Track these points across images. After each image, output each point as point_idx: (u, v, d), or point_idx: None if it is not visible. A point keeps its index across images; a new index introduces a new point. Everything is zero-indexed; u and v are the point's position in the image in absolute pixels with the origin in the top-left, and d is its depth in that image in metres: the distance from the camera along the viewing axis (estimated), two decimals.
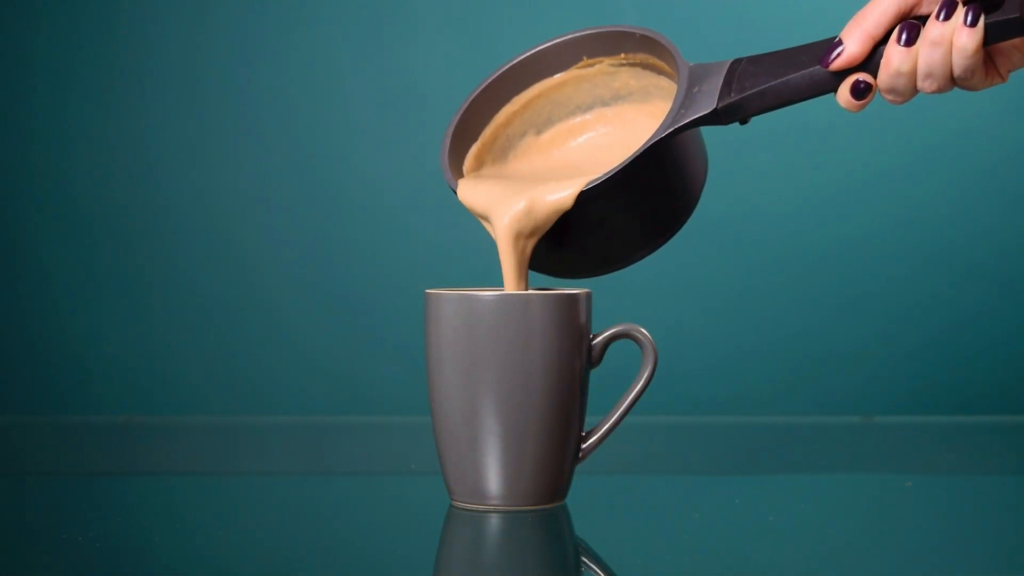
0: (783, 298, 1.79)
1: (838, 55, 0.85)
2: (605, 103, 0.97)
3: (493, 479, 0.88)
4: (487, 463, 0.88)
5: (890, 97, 0.86)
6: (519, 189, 0.91)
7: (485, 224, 0.92)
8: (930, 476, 1.07)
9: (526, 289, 0.91)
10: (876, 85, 0.85)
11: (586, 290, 0.90)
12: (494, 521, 0.87)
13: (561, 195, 0.89)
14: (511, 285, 0.91)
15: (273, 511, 0.95)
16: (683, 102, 0.89)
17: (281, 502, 0.97)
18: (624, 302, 1.68)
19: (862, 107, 0.86)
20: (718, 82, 0.89)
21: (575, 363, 0.89)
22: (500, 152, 0.97)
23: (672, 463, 1.14)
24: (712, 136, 1.86)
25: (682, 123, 0.89)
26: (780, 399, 1.78)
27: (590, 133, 0.98)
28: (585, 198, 0.88)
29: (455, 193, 0.93)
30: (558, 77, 0.97)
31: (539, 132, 0.98)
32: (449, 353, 0.88)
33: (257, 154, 1.80)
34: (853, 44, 0.85)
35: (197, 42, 1.79)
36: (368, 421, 1.42)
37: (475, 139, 0.96)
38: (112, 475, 1.08)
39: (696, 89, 0.89)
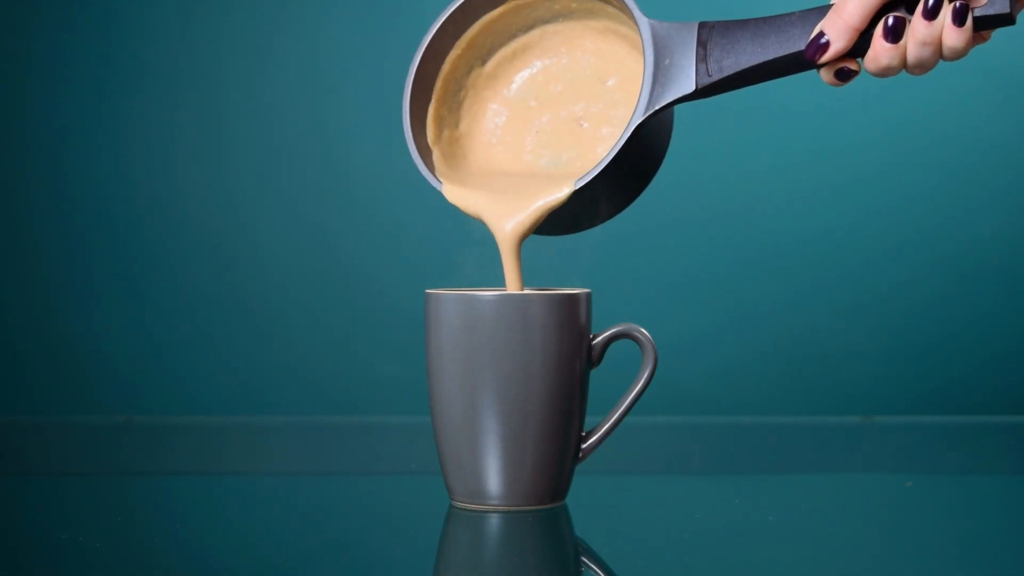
0: (783, 298, 1.79)
1: (823, 50, 0.84)
2: (546, 21, 0.96)
3: (493, 479, 0.88)
4: (487, 463, 0.88)
5: (877, 77, 0.85)
6: (514, 194, 0.91)
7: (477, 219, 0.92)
8: (930, 476, 1.07)
9: (522, 280, 0.92)
10: (861, 67, 0.85)
11: (586, 290, 0.90)
12: (494, 521, 0.87)
13: (558, 196, 0.89)
14: (513, 281, 0.91)
15: (273, 511, 0.95)
16: (655, 76, 0.88)
17: (281, 502, 0.97)
18: (624, 302, 1.68)
19: (845, 84, 0.86)
20: (690, 55, 0.87)
21: (575, 363, 0.89)
22: (452, 97, 0.96)
23: (672, 463, 1.14)
24: (712, 137, 1.85)
25: (661, 105, 0.88)
26: (780, 399, 1.78)
27: (536, 63, 0.96)
28: (577, 191, 0.89)
29: (438, 188, 0.93)
30: (496, 11, 0.95)
31: (484, 63, 0.97)
32: (449, 353, 0.88)
33: (257, 154, 1.80)
34: (838, 40, 0.84)
35: (196, 42, 1.79)
36: (368, 421, 1.42)
37: (429, 100, 0.95)
38: (112, 475, 1.08)
39: (667, 62, 0.88)
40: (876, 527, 0.89)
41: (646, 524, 0.91)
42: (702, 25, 0.88)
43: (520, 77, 0.97)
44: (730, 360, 1.79)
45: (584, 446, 0.91)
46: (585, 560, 0.82)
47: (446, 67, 0.95)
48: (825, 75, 0.85)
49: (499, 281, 0.93)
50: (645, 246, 1.79)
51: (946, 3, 0.81)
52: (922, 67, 0.83)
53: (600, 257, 1.78)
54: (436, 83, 0.95)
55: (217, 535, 0.88)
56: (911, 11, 0.83)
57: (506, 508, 0.88)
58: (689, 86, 0.87)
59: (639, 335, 0.90)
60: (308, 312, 1.79)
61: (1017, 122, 1.78)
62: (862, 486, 1.03)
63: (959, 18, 0.81)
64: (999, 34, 0.86)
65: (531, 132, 0.96)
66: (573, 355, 0.88)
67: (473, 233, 1.00)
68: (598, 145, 0.94)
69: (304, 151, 1.80)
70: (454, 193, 0.92)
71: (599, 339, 0.90)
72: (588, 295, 0.90)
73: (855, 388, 1.79)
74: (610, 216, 0.95)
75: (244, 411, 1.76)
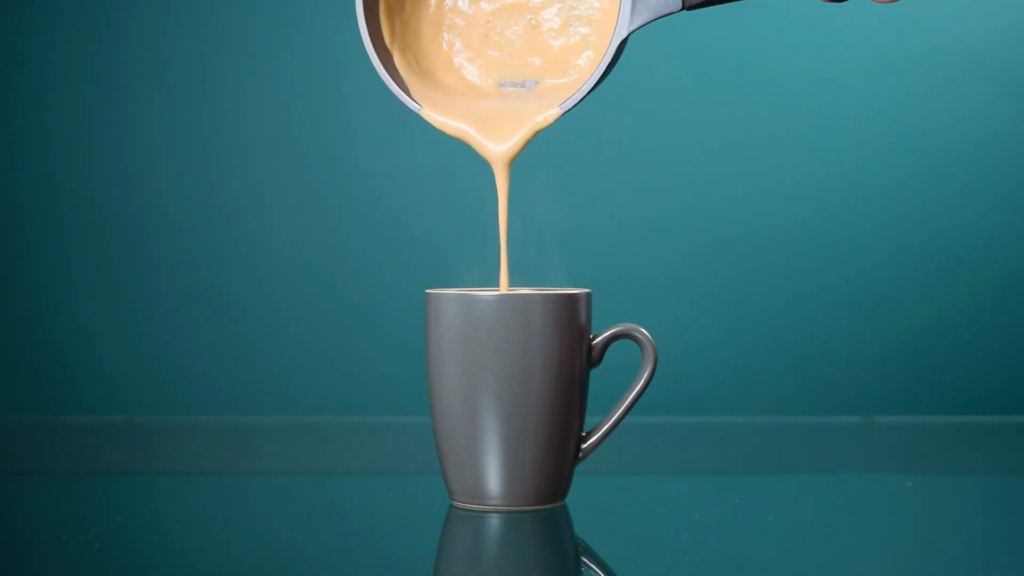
0: (783, 298, 1.79)
1: None
2: None
3: (493, 479, 0.88)
4: (487, 463, 0.88)
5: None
6: (500, 119, 0.90)
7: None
8: (930, 476, 1.07)
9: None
10: None
11: (586, 290, 0.90)
12: (494, 521, 0.87)
13: (546, 118, 0.89)
14: (503, 195, 0.91)
15: (273, 511, 0.95)
16: None
17: (281, 502, 0.97)
18: (624, 302, 1.68)
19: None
20: None
21: (575, 363, 0.89)
22: None
23: (672, 463, 1.14)
24: (712, 137, 1.85)
25: (644, 21, 0.85)
26: (780, 399, 1.78)
27: None
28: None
29: (416, 111, 0.92)
30: None
31: None
32: (449, 353, 0.88)
33: (257, 153, 1.80)
34: None
35: (197, 42, 1.79)
36: (368, 421, 1.42)
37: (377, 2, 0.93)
38: (112, 475, 1.07)
39: None
40: (876, 527, 0.89)
41: (646, 524, 0.91)
42: None
43: None
44: (730, 360, 1.79)
45: (584, 446, 0.91)
46: (585, 560, 0.82)
47: None
48: None
49: (499, 281, 0.93)
50: (645, 246, 1.79)
51: None
52: None
53: (600, 257, 1.78)
54: None
55: (217, 535, 0.88)
56: None
57: (506, 508, 0.88)
58: (675, 3, 0.86)
59: (639, 335, 0.90)
60: (308, 312, 1.79)
61: (1019, 123, 1.78)
62: (862, 486, 1.03)
63: None
64: (1007, 34, 0.85)
65: (480, 24, 0.95)
66: (573, 355, 0.88)
67: (473, 233, 0.99)
68: (556, 43, 0.93)
69: (304, 150, 1.80)
70: (437, 119, 0.91)
71: (599, 339, 0.90)
72: (588, 295, 0.90)
73: (855, 388, 1.79)
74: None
75: (244, 411, 1.76)
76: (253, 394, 1.79)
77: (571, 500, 0.91)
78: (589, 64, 0.91)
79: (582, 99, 0.88)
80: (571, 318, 0.88)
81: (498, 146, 0.90)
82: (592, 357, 0.90)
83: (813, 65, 1.75)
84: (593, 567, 0.81)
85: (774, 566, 0.81)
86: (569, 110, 0.89)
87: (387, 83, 0.91)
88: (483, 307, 0.87)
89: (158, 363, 1.80)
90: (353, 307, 1.79)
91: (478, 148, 0.91)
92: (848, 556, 0.83)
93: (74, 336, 1.80)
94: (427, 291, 0.90)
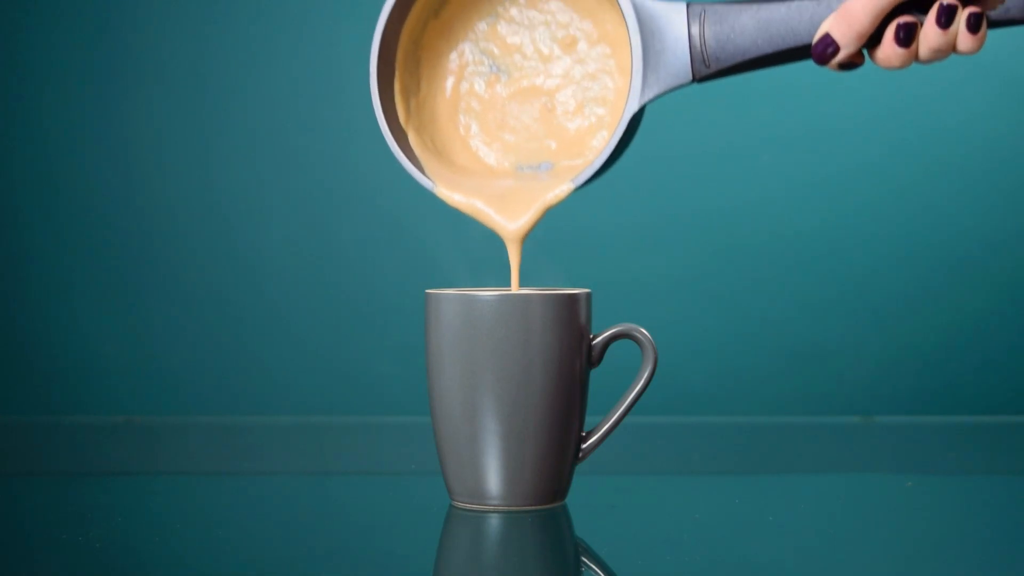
0: (783, 298, 1.79)
1: (832, 54, 0.83)
2: None
3: (493, 479, 0.88)
4: (487, 463, 0.88)
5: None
6: (514, 196, 0.91)
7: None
8: (930, 476, 1.07)
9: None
10: (865, 58, 0.84)
11: (586, 290, 0.90)
12: (494, 521, 0.87)
13: (558, 194, 0.90)
14: (515, 269, 0.91)
15: (273, 511, 0.95)
16: (646, 61, 0.86)
17: (281, 502, 0.97)
18: (624, 302, 1.68)
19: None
20: (683, 40, 0.85)
21: (575, 363, 0.89)
22: (410, 58, 0.94)
23: (672, 463, 1.14)
24: (712, 137, 1.85)
25: (655, 94, 0.86)
26: (780, 399, 1.78)
27: (492, 12, 0.94)
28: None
29: (430, 189, 0.92)
30: None
31: (437, 14, 0.94)
32: (449, 353, 0.88)
33: (257, 153, 1.80)
34: (847, 46, 0.83)
35: (196, 42, 1.79)
36: (368, 421, 1.42)
37: (394, 78, 0.93)
38: (112, 475, 1.08)
39: (658, 47, 0.86)
40: (876, 527, 0.89)
41: (646, 524, 0.91)
42: (690, 6, 0.86)
43: (477, 28, 0.95)
44: (730, 360, 1.79)
45: (584, 446, 0.91)
46: (585, 560, 0.82)
47: (403, 36, 0.93)
48: (829, 66, 0.85)
49: (498, 281, 0.93)
50: (645, 246, 1.79)
51: (960, 9, 0.80)
52: (932, 64, 0.83)
53: (600, 257, 1.78)
54: (397, 55, 0.93)
55: (217, 535, 0.88)
56: (921, 9, 0.81)
57: (506, 508, 0.88)
58: (685, 76, 0.86)
59: (639, 335, 0.90)
60: (308, 312, 1.79)
61: (1019, 124, 1.78)
62: (862, 486, 1.03)
63: (974, 26, 0.80)
64: (1007, 34, 0.85)
65: (496, 108, 0.95)
66: (573, 355, 0.88)
67: (473, 232, 1.00)
68: (571, 126, 0.93)
69: (304, 150, 1.80)
70: (450, 197, 0.92)
71: (599, 339, 0.90)
72: (588, 295, 0.90)
73: (855, 388, 1.79)
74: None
75: (244, 411, 1.76)
76: (253, 394, 1.79)
77: (571, 500, 0.91)
78: (603, 143, 0.92)
79: (595, 175, 0.89)
80: (571, 318, 0.88)
81: (510, 223, 0.91)
82: (592, 357, 0.90)
83: (813, 65, 1.75)
84: (593, 567, 0.81)
85: (774, 566, 0.81)
86: (581, 186, 0.89)
87: (400, 160, 0.92)
88: (483, 307, 0.87)
89: (158, 363, 1.80)
90: (353, 307, 1.79)
91: (491, 224, 0.92)
92: (848, 556, 0.83)
93: (74, 336, 1.80)
94: (427, 291, 0.90)
